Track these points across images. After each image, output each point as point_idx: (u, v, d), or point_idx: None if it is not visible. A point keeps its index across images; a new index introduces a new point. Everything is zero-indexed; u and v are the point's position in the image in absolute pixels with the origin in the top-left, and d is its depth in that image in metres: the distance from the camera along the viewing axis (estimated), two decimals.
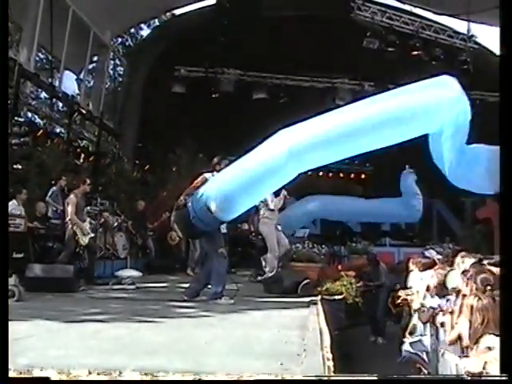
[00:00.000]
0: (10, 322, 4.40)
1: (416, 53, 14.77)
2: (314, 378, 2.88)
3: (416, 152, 19.04)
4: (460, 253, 6.54)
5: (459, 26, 15.30)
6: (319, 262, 8.24)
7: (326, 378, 2.90)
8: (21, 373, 2.89)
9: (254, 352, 3.63)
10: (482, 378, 3.40)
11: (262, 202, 8.21)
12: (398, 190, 19.60)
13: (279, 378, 2.93)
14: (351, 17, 14.20)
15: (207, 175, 6.66)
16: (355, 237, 15.33)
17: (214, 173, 6.70)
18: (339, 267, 10.34)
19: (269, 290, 7.74)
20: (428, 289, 5.92)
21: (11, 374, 2.89)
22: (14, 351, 3.33)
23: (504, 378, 2.89)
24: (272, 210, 8.44)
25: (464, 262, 5.73)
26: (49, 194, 9.26)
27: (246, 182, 6.12)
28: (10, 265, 6.82)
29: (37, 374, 2.89)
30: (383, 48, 14.63)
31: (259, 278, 9.28)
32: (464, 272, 4.91)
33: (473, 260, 5.63)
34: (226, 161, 6.81)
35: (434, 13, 15.19)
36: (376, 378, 2.82)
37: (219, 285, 6.43)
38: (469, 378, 3.55)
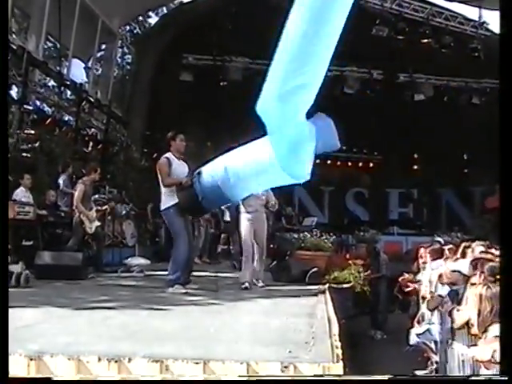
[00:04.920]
0: (20, 309, 4.47)
1: (426, 40, 14.63)
2: (310, 378, 2.88)
3: (424, 141, 18.97)
4: (469, 242, 6.51)
5: (470, 12, 15.13)
6: (327, 251, 8.23)
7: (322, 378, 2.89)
8: (32, 359, 2.92)
9: (263, 340, 3.64)
10: (482, 379, 3.40)
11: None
12: (406, 180, 19.61)
13: (287, 365, 2.93)
14: (360, 4, 14.06)
15: (167, 155, 6.35)
16: (363, 225, 15.32)
17: (170, 153, 6.35)
18: (347, 256, 10.34)
19: (277, 278, 7.76)
20: (437, 278, 5.91)
21: (22, 360, 2.92)
22: (24, 337, 3.37)
23: (504, 378, 2.89)
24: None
25: (473, 250, 5.70)
26: (61, 183, 9.29)
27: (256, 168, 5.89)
28: (19, 252, 6.96)
29: (47, 359, 2.92)
30: (393, 36, 14.50)
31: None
32: (473, 260, 4.89)
33: (482, 248, 5.60)
34: (181, 135, 6.46)
35: None
36: (370, 378, 2.82)
37: (175, 272, 6.15)
38: (468, 379, 3.55)
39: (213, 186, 5.72)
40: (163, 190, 6.26)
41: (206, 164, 5.97)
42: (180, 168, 6.33)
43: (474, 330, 4.02)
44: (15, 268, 6.15)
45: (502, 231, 3.38)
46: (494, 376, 3.36)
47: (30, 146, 9.88)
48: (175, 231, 6.34)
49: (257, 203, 7.05)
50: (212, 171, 5.84)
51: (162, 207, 6.31)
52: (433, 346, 6.21)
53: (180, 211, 6.13)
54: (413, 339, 6.37)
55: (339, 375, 2.88)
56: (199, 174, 5.88)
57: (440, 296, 5.50)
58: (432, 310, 5.83)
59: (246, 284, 6.72)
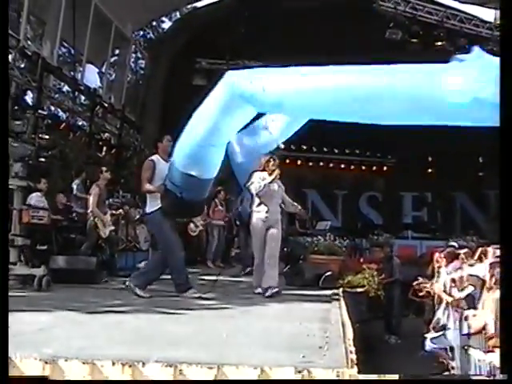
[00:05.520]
0: (35, 313, 4.50)
1: (440, 43, 14.51)
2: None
3: (439, 144, 18.82)
4: (485, 246, 6.44)
5: (486, 14, 14.96)
6: (341, 255, 8.18)
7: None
8: (46, 362, 2.92)
9: (276, 344, 3.62)
10: (482, 379, 3.35)
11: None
12: (420, 183, 19.45)
13: (301, 370, 2.91)
14: (374, 7, 14.01)
15: (153, 157, 6.18)
16: (377, 229, 15.22)
17: (157, 155, 6.18)
18: (361, 260, 10.29)
19: (290, 282, 7.73)
20: (453, 282, 5.85)
21: (36, 364, 2.93)
22: (39, 341, 3.39)
23: (504, 379, 2.84)
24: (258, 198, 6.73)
25: (490, 254, 5.64)
26: (75, 188, 9.35)
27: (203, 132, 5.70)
28: (34, 256, 7.01)
29: (62, 363, 2.92)
30: (406, 39, 14.41)
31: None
32: (490, 265, 4.84)
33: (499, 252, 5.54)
34: (168, 136, 6.30)
35: (459, 1, 14.87)
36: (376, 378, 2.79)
37: (180, 278, 6.02)
38: (469, 378, 3.51)
39: (181, 175, 5.68)
40: (147, 194, 6.12)
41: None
42: (166, 170, 6.04)
43: (492, 335, 3.97)
44: (37, 271, 6.22)
45: (502, 231, 3.34)
46: (494, 375, 3.31)
47: (44, 151, 9.96)
48: (165, 237, 6.07)
49: (272, 202, 6.66)
50: (174, 161, 5.84)
51: (148, 210, 6.13)
52: (449, 351, 6.15)
53: (165, 214, 5.93)
54: (428, 345, 6.31)
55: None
56: (169, 171, 5.83)
57: (461, 298, 5.40)
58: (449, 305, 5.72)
59: (259, 289, 6.46)
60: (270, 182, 6.59)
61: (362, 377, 2.91)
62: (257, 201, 6.69)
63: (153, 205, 6.03)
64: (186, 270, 6.16)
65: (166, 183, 5.84)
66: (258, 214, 6.65)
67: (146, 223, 6.43)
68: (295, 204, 7.18)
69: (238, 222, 10.22)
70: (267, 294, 6.29)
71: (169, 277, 8.13)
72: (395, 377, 2.78)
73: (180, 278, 6.03)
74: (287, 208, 6.97)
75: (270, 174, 6.62)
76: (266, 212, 6.61)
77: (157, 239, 6.31)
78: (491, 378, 3.86)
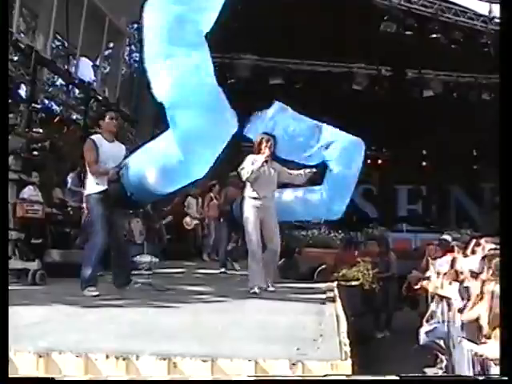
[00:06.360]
0: (29, 307, 4.50)
1: (435, 36, 14.52)
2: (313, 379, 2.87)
3: (433, 137, 18.87)
4: (479, 238, 6.47)
5: (480, 7, 14.97)
6: (336, 248, 8.21)
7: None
8: (40, 356, 2.92)
9: (271, 337, 3.62)
10: (482, 379, 3.38)
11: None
12: (415, 176, 19.50)
13: (296, 362, 2.92)
14: (368, 0, 13.98)
15: (94, 137, 5.56)
16: (372, 222, 15.26)
17: (99, 135, 5.60)
18: (356, 253, 10.32)
19: (285, 275, 7.75)
20: (446, 274, 5.87)
21: (31, 357, 2.93)
22: (33, 334, 3.39)
23: (504, 379, 2.87)
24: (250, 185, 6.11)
25: (484, 247, 5.66)
26: (70, 182, 9.33)
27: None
28: (29, 250, 7.00)
29: (56, 357, 2.92)
30: (401, 32, 14.41)
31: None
32: (484, 257, 4.86)
33: (492, 246, 5.57)
34: (111, 113, 5.83)
35: None
36: (376, 378, 2.81)
37: (86, 270, 5.38)
38: (469, 379, 3.53)
39: (139, 182, 5.16)
40: (88, 174, 5.59)
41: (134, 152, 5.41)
42: (112, 150, 5.53)
43: (484, 328, 3.99)
44: (32, 266, 6.23)
45: (503, 229, 3.35)
46: (495, 376, 3.34)
47: (38, 144, 9.92)
48: (93, 221, 5.56)
49: (269, 189, 6.06)
50: (137, 164, 5.27)
51: (86, 193, 5.69)
52: (442, 343, 6.18)
53: (103, 200, 5.37)
54: (422, 337, 6.34)
55: (347, 375, 2.86)
56: (126, 167, 5.28)
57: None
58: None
59: (255, 289, 5.79)
60: (261, 166, 5.95)
61: (361, 377, 2.92)
62: (248, 187, 6.07)
63: (93, 186, 5.51)
64: (96, 265, 5.52)
65: (122, 174, 5.27)
66: (250, 200, 6.00)
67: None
68: (300, 172, 6.34)
69: (221, 219, 9.76)
70: (271, 289, 5.95)
71: (163, 270, 8.17)
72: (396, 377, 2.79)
73: (85, 269, 5.40)
74: (293, 181, 6.35)
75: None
76: (258, 199, 5.97)
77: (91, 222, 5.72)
78: (485, 372, 3.89)
